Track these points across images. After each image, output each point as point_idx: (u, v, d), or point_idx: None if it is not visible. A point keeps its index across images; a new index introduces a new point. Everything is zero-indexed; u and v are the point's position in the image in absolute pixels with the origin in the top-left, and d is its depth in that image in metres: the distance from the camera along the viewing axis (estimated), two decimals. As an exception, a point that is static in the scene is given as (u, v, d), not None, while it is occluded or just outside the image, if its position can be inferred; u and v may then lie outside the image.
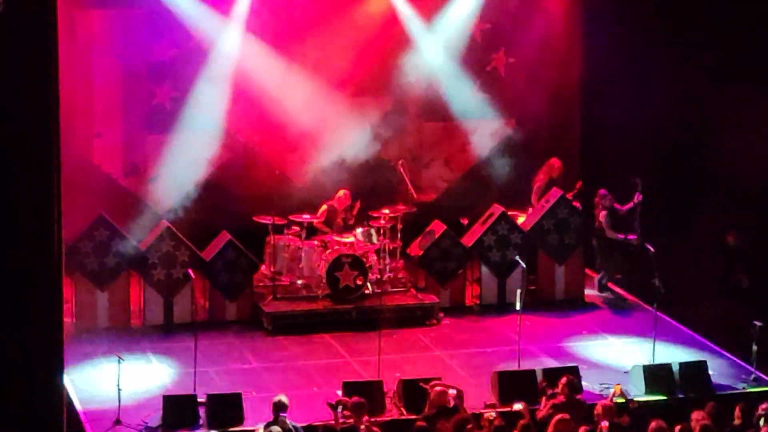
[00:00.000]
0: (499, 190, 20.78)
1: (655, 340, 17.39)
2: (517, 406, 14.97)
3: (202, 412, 15.72)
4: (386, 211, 19.50)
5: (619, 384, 15.77)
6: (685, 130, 19.04)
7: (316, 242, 19.33)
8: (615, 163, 20.33)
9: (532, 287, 19.20)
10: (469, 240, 19.84)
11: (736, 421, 14.63)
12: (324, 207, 19.54)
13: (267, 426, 14.26)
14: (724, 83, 18.26)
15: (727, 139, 18.41)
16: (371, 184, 20.20)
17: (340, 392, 15.97)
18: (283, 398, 14.50)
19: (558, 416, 14.18)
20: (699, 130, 18.71)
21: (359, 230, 19.16)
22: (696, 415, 14.33)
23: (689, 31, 18.76)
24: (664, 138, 19.53)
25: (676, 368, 16.88)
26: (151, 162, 20.01)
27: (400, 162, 20.08)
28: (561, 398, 15.11)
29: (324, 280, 18.97)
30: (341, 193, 19.58)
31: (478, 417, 14.93)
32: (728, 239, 19.92)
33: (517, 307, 17.26)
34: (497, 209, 20.03)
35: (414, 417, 15.31)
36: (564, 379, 15.40)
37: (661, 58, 19.20)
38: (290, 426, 14.36)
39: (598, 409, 14.58)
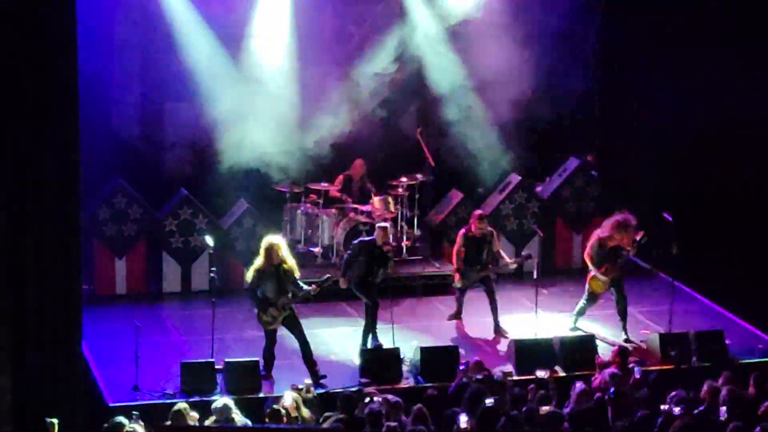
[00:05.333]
0: (518, 159, 20.73)
1: (672, 309, 17.38)
2: (540, 374, 15.00)
3: (219, 378, 15.80)
4: (404, 179, 19.50)
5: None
6: (701, 103, 19.00)
7: (333, 210, 19.35)
8: (633, 131, 20.27)
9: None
10: (486, 209, 19.85)
11: (752, 390, 14.61)
12: (340, 176, 19.54)
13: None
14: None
15: (746, 109, 18.42)
16: (389, 153, 20.16)
17: (357, 360, 16.10)
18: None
19: (580, 389, 14.22)
20: (719, 105, 18.70)
21: (377, 198, 19.17)
22: (707, 386, 14.33)
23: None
24: (681, 112, 19.46)
25: (692, 337, 16.88)
26: (168, 129, 20.00)
27: (418, 130, 20.05)
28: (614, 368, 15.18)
29: (342, 248, 19.00)
30: (357, 161, 19.57)
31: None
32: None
33: (534, 276, 17.29)
34: (515, 178, 20.02)
35: (429, 385, 15.37)
36: (616, 348, 15.60)
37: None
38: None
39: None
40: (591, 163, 20.27)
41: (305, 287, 16.09)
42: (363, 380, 15.11)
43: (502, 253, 17.78)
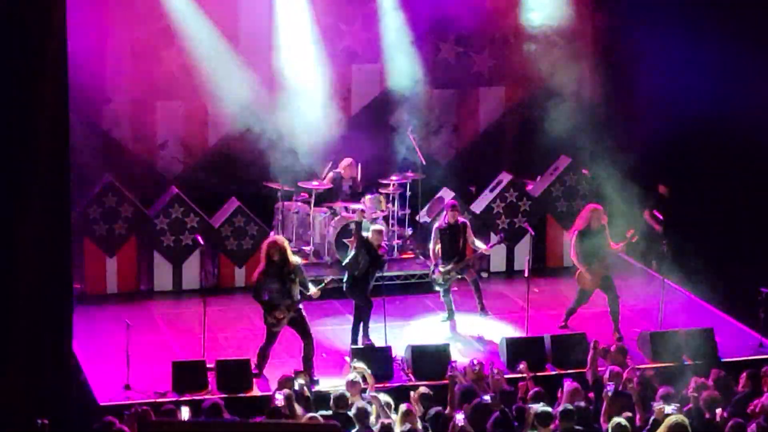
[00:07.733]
0: (509, 157, 20.75)
1: (662, 307, 17.40)
2: (519, 367, 15.06)
3: (211, 377, 15.80)
4: (395, 178, 19.52)
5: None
6: (698, 103, 19.03)
7: (325, 209, 19.36)
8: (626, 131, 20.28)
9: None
10: (477, 207, 19.87)
11: (743, 388, 14.62)
12: (330, 175, 19.54)
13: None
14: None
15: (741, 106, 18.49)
16: (380, 152, 20.16)
17: (348, 358, 16.09)
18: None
19: (571, 386, 14.19)
20: (716, 101, 18.74)
21: (368, 197, 19.19)
22: (695, 383, 14.33)
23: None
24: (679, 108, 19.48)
25: (682, 335, 16.91)
26: (160, 128, 19.99)
27: (409, 129, 20.06)
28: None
29: (333, 247, 19.01)
30: (347, 161, 19.56)
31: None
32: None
33: (525, 275, 17.31)
34: (506, 176, 20.04)
35: (422, 383, 15.36)
36: (616, 344, 15.63)
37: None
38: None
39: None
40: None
41: (312, 288, 16.03)
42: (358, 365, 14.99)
43: (477, 242, 17.83)
